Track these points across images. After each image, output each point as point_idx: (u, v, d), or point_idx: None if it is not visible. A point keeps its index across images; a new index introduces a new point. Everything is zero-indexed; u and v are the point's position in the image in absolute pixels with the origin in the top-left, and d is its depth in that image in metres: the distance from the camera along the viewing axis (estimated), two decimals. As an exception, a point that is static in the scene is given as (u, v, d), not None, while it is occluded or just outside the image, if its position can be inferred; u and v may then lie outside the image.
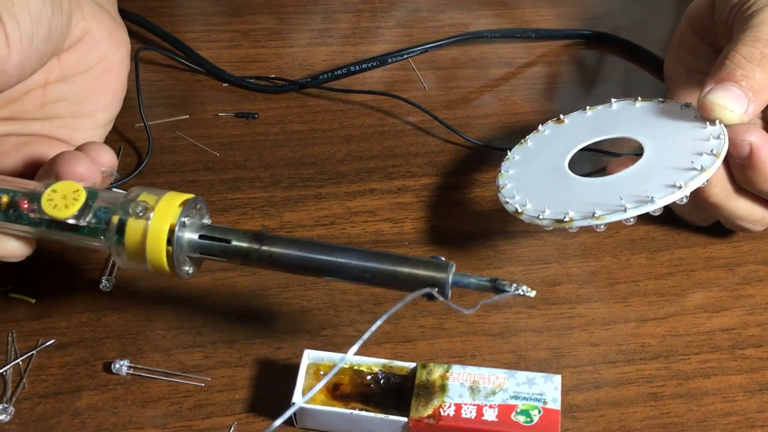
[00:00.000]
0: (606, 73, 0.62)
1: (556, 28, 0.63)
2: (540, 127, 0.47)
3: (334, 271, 0.33)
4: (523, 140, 0.47)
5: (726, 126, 0.41)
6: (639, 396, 0.40)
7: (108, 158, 0.37)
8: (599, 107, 0.46)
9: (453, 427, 0.36)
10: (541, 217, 0.40)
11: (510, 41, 0.62)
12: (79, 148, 0.37)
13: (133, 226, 0.33)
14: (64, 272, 0.44)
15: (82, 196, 0.33)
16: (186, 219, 0.33)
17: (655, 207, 0.38)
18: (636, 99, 0.45)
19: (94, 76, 0.41)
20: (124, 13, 0.60)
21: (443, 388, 0.36)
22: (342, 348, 0.41)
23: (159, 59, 0.59)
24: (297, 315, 0.43)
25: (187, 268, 0.34)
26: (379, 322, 0.29)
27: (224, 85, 0.57)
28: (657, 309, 0.44)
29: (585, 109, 0.47)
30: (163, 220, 0.33)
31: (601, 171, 0.42)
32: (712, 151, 0.39)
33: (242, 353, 0.41)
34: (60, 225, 0.34)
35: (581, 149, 0.44)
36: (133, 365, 0.40)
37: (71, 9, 0.39)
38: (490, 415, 0.36)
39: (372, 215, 0.48)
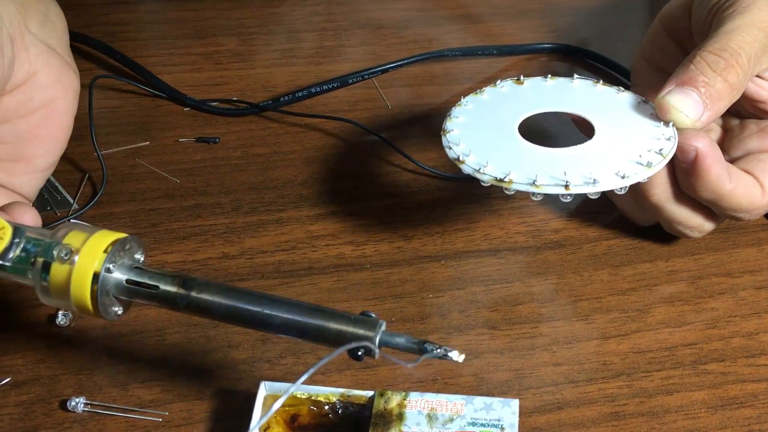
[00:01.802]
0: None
1: (519, 43, 0.63)
2: (498, 82, 0.46)
3: (261, 323, 0.32)
4: (479, 90, 0.46)
5: (678, 129, 0.41)
6: (601, 416, 0.39)
7: (31, 219, 0.36)
8: (560, 79, 0.46)
9: (411, 456, 0.35)
10: (482, 170, 0.39)
11: (474, 56, 0.62)
12: (2, 208, 0.36)
13: (58, 270, 0.32)
14: (20, 308, 0.43)
15: (8, 234, 0.33)
16: (111, 265, 0.33)
17: (595, 189, 0.38)
18: (598, 81, 0.45)
19: (36, 121, 0.40)
20: (85, 39, 0.60)
21: (401, 417, 0.36)
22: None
23: (119, 85, 0.58)
24: (257, 344, 0.42)
25: (116, 309, 0.34)
26: (307, 374, 0.29)
27: (185, 109, 0.57)
28: (619, 326, 0.43)
29: (546, 77, 0.46)
30: (87, 264, 0.32)
31: (548, 141, 0.41)
32: (660, 150, 0.40)
33: (201, 386, 0.40)
34: None
35: (534, 116, 0.44)
36: (89, 402, 0.39)
37: (14, 53, 0.38)
38: (447, 442, 0.35)
39: (334, 238, 0.48)
